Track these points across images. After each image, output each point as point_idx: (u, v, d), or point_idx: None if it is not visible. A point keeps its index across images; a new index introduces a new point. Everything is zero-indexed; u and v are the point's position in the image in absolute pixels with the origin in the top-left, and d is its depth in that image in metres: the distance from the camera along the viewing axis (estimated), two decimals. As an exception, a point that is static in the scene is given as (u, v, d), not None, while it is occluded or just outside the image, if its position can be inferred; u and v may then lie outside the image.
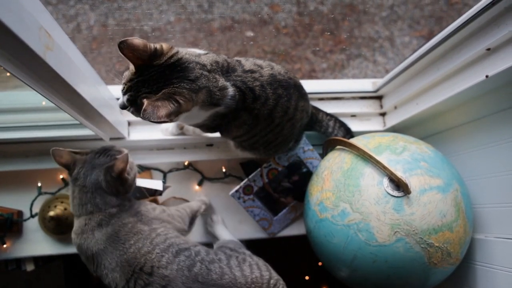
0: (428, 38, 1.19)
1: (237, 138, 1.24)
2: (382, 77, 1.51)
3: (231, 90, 1.03)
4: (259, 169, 1.47)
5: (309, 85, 1.45)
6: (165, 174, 1.56)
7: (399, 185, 1.02)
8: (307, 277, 2.09)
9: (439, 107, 1.24)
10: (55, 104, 0.97)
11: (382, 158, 1.07)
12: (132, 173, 1.15)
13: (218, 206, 1.57)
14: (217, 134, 1.25)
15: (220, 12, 2.09)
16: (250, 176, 1.47)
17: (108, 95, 1.35)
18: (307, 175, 1.47)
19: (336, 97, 1.58)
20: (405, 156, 1.09)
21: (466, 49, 1.07)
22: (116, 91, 1.39)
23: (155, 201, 1.46)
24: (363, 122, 1.58)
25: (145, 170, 1.54)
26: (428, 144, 1.20)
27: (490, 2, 0.92)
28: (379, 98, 1.60)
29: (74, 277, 1.92)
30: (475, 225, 1.20)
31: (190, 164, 1.57)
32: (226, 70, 1.05)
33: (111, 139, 1.38)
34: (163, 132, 1.42)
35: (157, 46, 0.93)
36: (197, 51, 1.06)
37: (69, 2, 2.06)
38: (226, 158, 1.54)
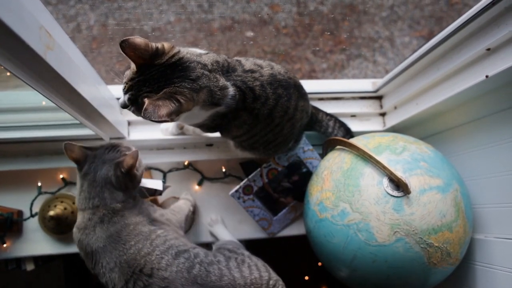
0: (428, 39, 1.19)
1: (237, 138, 1.25)
2: (382, 77, 1.51)
3: (231, 90, 1.03)
4: (259, 169, 1.47)
5: (309, 85, 1.45)
6: (165, 174, 1.56)
7: (399, 185, 1.02)
8: (306, 277, 2.10)
9: (439, 107, 1.24)
10: (55, 104, 0.97)
11: (382, 158, 1.07)
12: (140, 170, 1.16)
13: (217, 206, 1.57)
14: (217, 134, 1.25)
15: (220, 12, 2.09)
16: (250, 176, 1.47)
17: (108, 94, 1.35)
18: (307, 175, 1.47)
19: (336, 97, 1.58)
20: (405, 156, 1.09)
21: (466, 49, 1.07)
22: (116, 91, 1.39)
23: (155, 201, 1.46)
24: (363, 122, 1.58)
25: (145, 169, 1.54)
26: (428, 144, 1.20)
27: (490, 2, 0.92)
28: (379, 98, 1.60)
29: (74, 277, 1.92)
30: (475, 225, 1.20)
31: (190, 164, 1.57)
32: (227, 70, 1.05)
33: (111, 138, 1.38)
34: (163, 132, 1.42)
35: (159, 45, 0.93)
36: (198, 50, 1.06)
37: (69, 2, 2.06)
38: (226, 158, 1.54)
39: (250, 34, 2.19)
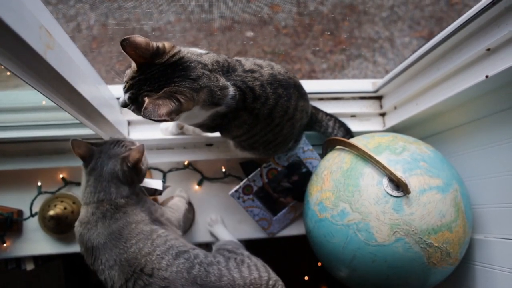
0: (428, 39, 1.19)
1: (237, 138, 1.25)
2: (382, 77, 1.51)
3: (231, 90, 1.03)
4: (258, 169, 1.47)
5: (309, 85, 1.46)
6: (164, 174, 1.56)
7: (399, 185, 1.02)
8: (306, 277, 2.10)
9: (439, 107, 1.24)
10: (55, 103, 0.97)
11: (381, 158, 1.07)
12: (145, 164, 1.17)
13: (217, 206, 1.57)
14: (217, 134, 1.25)
15: (220, 12, 2.09)
16: (249, 176, 1.47)
17: (108, 94, 1.35)
18: (307, 175, 1.47)
19: (336, 97, 1.58)
20: (405, 156, 1.09)
21: (466, 49, 1.07)
22: (116, 90, 1.39)
23: (155, 201, 1.46)
24: (362, 122, 1.58)
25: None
26: (428, 144, 1.20)
27: (490, 2, 0.92)
28: (379, 98, 1.60)
29: (74, 276, 1.92)
30: (475, 225, 1.20)
31: (189, 163, 1.57)
32: (227, 70, 1.05)
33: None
34: (163, 131, 1.42)
35: (159, 44, 0.93)
36: (198, 50, 1.06)
37: (69, 1, 2.06)
38: (225, 158, 1.54)
39: (250, 34, 2.19)
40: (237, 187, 1.47)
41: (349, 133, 1.48)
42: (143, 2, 1.93)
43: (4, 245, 1.44)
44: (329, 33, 2.31)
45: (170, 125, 1.41)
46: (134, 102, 0.96)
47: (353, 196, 1.06)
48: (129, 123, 1.45)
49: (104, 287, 1.08)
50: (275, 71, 1.13)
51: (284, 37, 2.24)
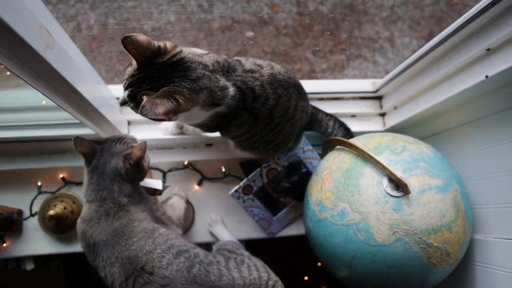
0: (428, 39, 1.19)
1: (236, 138, 1.25)
2: (382, 77, 1.51)
3: (231, 90, 1.03)
4: (258, 169, 1.47)
5: (309, 85, 1.45)
6: (164, 174, 1.56)
7: (399, 185, 1.02)
8: (306, 278, 2.10)
9: (438, 107, 1.24)
10: (55, 103, 0.97)
11: (381, 158, 1.07)
12: (147, 161, 1.18)
13: (217, 206, 1.57)
14: (217, 134, 1.25)
15: (220, 12, 2.09)
16: (249, 176, 1.47)
17: (108, 94, 1.35)
18: (307, 175, 1.47)
19: (336, 97, 1.58)
20: (405, 156, 1.10)
21: (466, 49, 1.07)
22: (116, 90, 1.39)
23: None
24: (362, 122, 1.58)
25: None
26: (428, 144, 1.20)
27: (490, 2, 0.92)
28: (379, 98, 1.60)
29: (73, 276, 1.92)
30: (474, 226, 1.20)
31: (189, 163, 1.57)
32: (227, 70, 1.05)
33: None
34: (163, 131, 1.42)
35: (161, 44, 0.94)
36: (199, 51, 1.07)
37: (69, 1, 2.06)
38: (225, 158, 1.54)
39: (250, 34, 2.19)
40: (237, 187, 1.47)
41: (349, 133, 1.48)
42: (143, 1, 1.93)
43: (4, 245, 1.44)
44: (329, 33, 2.31)
45: (170, 125, 1.41)
46: (133, 100, 0.96)
47: (353, 196, 1.06)
48: (129, 123, 1.45)
49: (104, 286, 1.08)
50: (275, 71, 1.13)
51: (284, 37, 2.24)
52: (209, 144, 1.52)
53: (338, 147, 1.26)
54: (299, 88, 1.23)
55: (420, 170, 1.06)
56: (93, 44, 2.05)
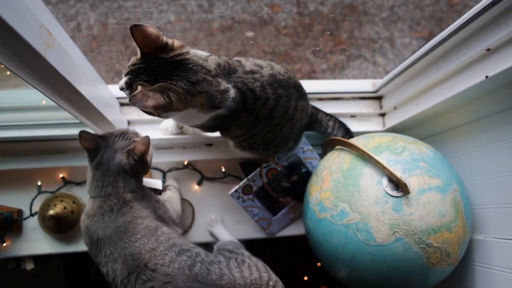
0: (428, 39, 1.19)
1: (236, 138, 1.25)
2: (382, 78, 1.51)
3: (232, 93, 1.03)
4: (258, 169, 1.47)
5: (309, 85, 1.45)
6: (164, 174, 1.56)
7: (398, 185, 1.02)
8: (306, 278, 2.10)
9: (438, 107, 1.24)
10: (55, 103, 0.97)
11: (381, 158, 1.07)
12: (150, 155, 1.18)
13: (217, 206, 1.57)
14: (217, 134, 1.25)
15: (220, 12, 2.10)
16: (249, 176, 1.47)
17: (108, 94, 1.35)
18: (307, 175, 1.47)
19: (336, 97, 1.58)
20: (405, 156, 1.10)
21: (466, 50, 1.07)
22: (116, 90, 1.39)
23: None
24: (362, 123, 1.58)
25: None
26: (428, 145, 1.20)
27: (490, 3, 0.92)
28: (379, 98, 1.60)
29: (73, 276, 1.92)
30: (474, 226, 1.20)
31: (189, 163, 1.57)
32: (228, 72, 1.05)
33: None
34: (163, 131, 1.42)
35: (170, 41, 0.95)
36: (204, 53, 1.07)
37: (69, 1, 2.06)
38: (225, 158, 1.54)
39: (250, 34, 2.19)
40: (236, 187, 1.47)
41: (349, 133, 1.48)
42: (143, 1, 1.93)
43: (4, 244, 1.44)
44: (329, 33, 2.31)
45: (170, 125, 1.41)
46: (129, 88, 0.97)
47: (353, 196, 1.06)
48: (129, 122, 1.45)
49: (104, 285, 1.09)
50: (275, 71, 1.13)
51: (284, 37, 2.24)
52: (209, 144, 1.52)
53: (338, 147, 1.26)
54: (299, 88, 1.23)
55: (420, 170, 1.06)
56: (93, 44, 2.05)
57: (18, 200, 1.47)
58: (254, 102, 1.08)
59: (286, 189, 1.51)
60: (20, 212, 1.47)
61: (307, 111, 1.31)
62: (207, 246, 1.54)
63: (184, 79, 0.94)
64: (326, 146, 1.37)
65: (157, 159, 1.51)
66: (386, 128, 1.56)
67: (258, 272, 1.11)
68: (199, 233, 1.55)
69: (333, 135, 1.44)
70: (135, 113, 1.46)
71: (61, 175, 1.50)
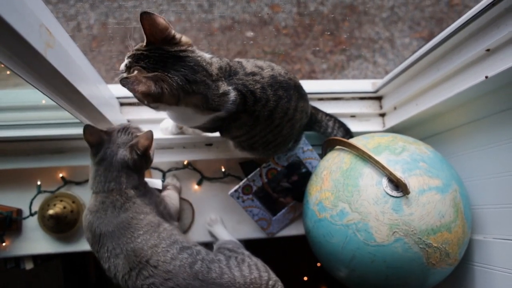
0: (428, 40, 1.19)
1: (236, 138, 1.25)
2: (382, 78, 1.51)
3: (232, 95, 1.03)
4: (258, 169, 1.47)
5: (309, 85, 1.46)
6: (164, 173, 1.56)
7: (398, 185, 1.02)
8: (305, 278, 2.10)
9: (438, 108, 1.24)
10: (55, 102, 0.97)
11: (381, 158, 1.07)
12: (153, 150, 1.19)
13: (217, 206, 1.57)
14: (217, 134, 1.25)
15: (220, 12, 2.10)
16: (249, 176, 1.47)
17: (108, 94, 1.35)
18: (306, 175, 1.47)
19: (335, 98, 1.58)
20: (404, 156, 1.10)
21: (466, 50, 1.07)
22: (116, 90, 1.39)
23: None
24: (362, 123, 1.58)
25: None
26: (427, 145, 1.20)
27: (490, 3, 0.92)
28: (379, 98, 1.60)
29: (73, 276, 1.92)
30: (474, 226, 1.20)
31: (189, 163, 1.57)
32: (229, 74, 1.05)
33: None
34: (163, 131, 1.42)
35: (178, 35, 0.96)
36: (207, 56, 1.07)
37: (69, 1, 2.06)
38: (225, 158, 1.54)
39: (250, 34, 2.19)
40: (236, 187, 1.47)
41: (349, 133, 1.48)
42: (143, 1, 1.93)
43: (3, 244, 1.44)
44: (329, 33, 2.31)
45: (169, 125, 1.41)
46: (127, 70, 0.98)
47: (353, 196, 1.06)
48: (129, 122, 1.45)
49: (104, 285, 1.09)
50: (276, 72, 1.13)
51: (284, 37, 2.24)
52: (208, 144, 1.52)
53: (337, 147, 1.26)
54: (299, 89, 1.23)
55: (420, 170, 1.06)
56: (93, 43, 2.05)
57: (18, 199, 1.47)
58: (254, 104, 1.08)
59: (286, 189, 1.51)
60: (19, 211, 1.47)
61: (307, 112, 1.31)
62: (207, 246, 1.54)
63: (182, 75, 0.94)
64: (326, 146, 1.37)
65: (157, 159, 1.51)
66: (386, 128, 1.56)
67: (258, 271, 1.11)
68: (199, 233, 1.55)
69: (333, 135, 1.44)
70: (134, 113, 1.46)
71: (60, 175, 1.50)
